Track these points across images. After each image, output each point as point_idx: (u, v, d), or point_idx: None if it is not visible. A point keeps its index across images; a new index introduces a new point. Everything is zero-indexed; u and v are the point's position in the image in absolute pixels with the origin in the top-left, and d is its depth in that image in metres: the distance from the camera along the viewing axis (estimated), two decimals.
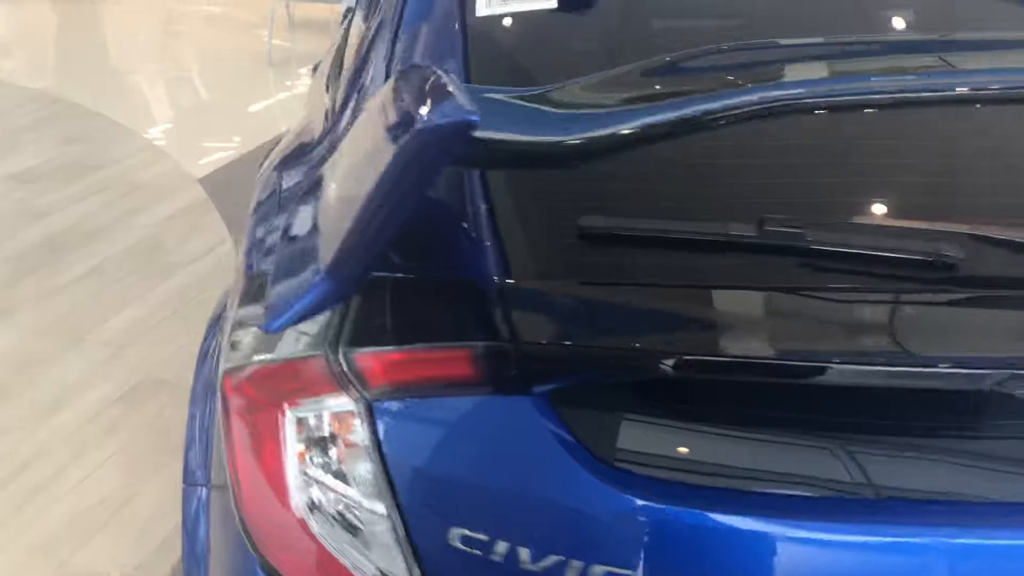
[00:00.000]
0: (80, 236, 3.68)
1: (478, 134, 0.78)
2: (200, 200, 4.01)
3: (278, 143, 1.87)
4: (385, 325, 1.00)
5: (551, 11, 1.32)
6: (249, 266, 1.25)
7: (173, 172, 4.31)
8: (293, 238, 1.00)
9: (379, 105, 0.84)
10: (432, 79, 0.79)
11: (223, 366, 1.09)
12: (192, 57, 6.72)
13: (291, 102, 5.71)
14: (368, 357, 0.98)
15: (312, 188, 1.08)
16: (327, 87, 1.89)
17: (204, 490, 1.30)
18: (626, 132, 0.88)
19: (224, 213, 3.85)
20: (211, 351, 1.57)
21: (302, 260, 0.92)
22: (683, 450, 0.98)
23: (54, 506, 2.32)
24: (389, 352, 0.98)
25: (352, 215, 0.80)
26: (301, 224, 1.00)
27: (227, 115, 5.34)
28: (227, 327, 1.17)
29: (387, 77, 1.31)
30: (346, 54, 1.92)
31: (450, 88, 0.77)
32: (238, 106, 5.52)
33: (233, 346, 1.10)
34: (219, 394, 1.09)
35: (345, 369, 0.97)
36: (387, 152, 0.76)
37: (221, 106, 5.54)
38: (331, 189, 0.94)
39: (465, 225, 1.05)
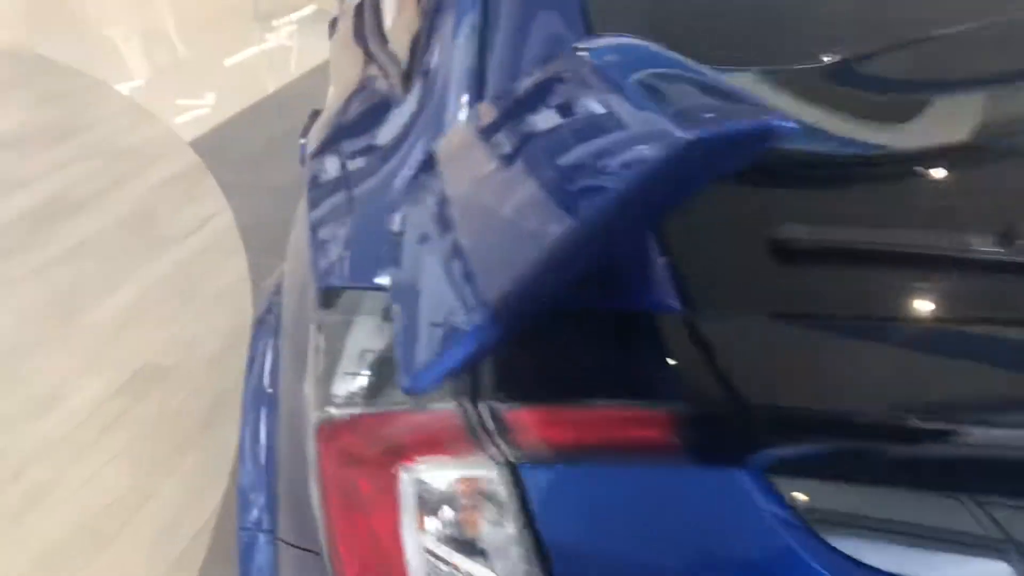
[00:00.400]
0: (65, 207, 3.40)
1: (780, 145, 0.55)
2: (192, 165, 3.72)
3: (316, 115, 1.62)
4: (539, 370, 0.77)
5: None
6: (322, 269, 1.01)
7: (161, 134, 4.02)
8: (415, 260, 0.76)
9: (566, 89, 0.61)
10: (684, 68, 0.56)
11: (316, 412, 0.85)
12: (173, 8, 6.35)
13: (281, 56, 5.41)
14: (519, 412, 0.75)
15: (419, 190, 0.85)
16: (366, 52, 1.64)
17: (267, 536, 1.08)
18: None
19: (220, 179, 3.58)
20: (258, 356, 1.34)
21: (443, 291, 0.68)
22: (944, 538, 0.76)
23: (56, 514, 2.09)
24: (547, 408, 0.76)
25: (546, 237, 0.57)
26: (423, 240, 0.76)
27: (214, 72, 5.03)
28: (309, 356, 0.93)
29: (481, 43, 1.06)
30: (387, 14, 1.66)
31: (728, 86, 0.54)
32: (225, 62, 5.20)
33: (326, 383, 0.86)
34: (310, 444, 0.86)
35: (488, 425, 0.75)
36: (616, 158, 0.53)
37: (207, 62, 5.22)
38: (479, 198, 0.71)
39: (638, 240, 0.81)
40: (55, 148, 3.83)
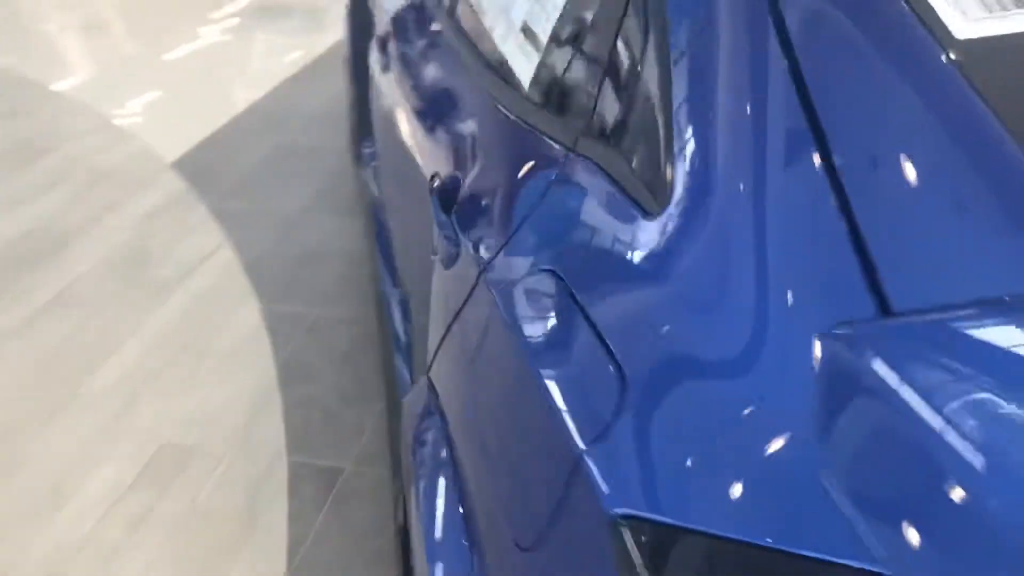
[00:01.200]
0: (42, 246, 3.00)
1: None
2: (179, 192, 3.35)
3: (453, 182, 1.31)
4: None
5: None
6: (614, 480, 0.72)
7: (140, 155, 3.62)
8: None
9: None
10: None
11: None
12: (122, 2, 5.87)
13: (253, 61, 5.00)
14: None
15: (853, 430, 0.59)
16: (497, 116, 1.35)
17: None
18: None
19: (212, 208, 3.22)
20: (425, 500, 1.10)
21: None
22: None
23: None
24: None
25: None
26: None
27: (181, 75, 4.60)
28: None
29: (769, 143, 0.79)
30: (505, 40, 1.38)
31: None
32: (195, 63, 4.77)
33: None
34: None
35: None
36: None
37: (174, 65, 4.77)
38: None
39: None
40: (23, 173, 3.42)
